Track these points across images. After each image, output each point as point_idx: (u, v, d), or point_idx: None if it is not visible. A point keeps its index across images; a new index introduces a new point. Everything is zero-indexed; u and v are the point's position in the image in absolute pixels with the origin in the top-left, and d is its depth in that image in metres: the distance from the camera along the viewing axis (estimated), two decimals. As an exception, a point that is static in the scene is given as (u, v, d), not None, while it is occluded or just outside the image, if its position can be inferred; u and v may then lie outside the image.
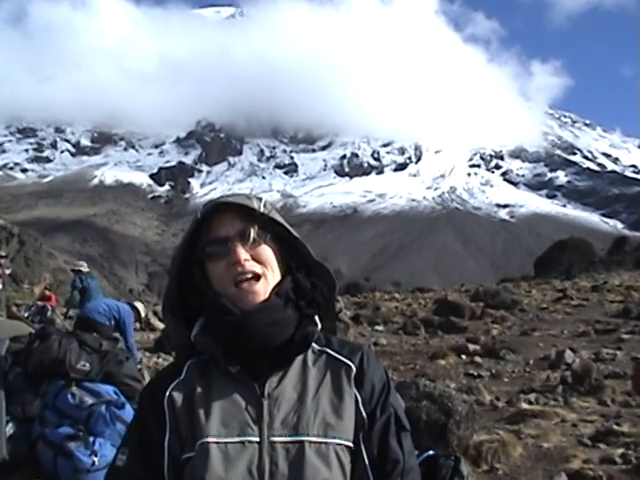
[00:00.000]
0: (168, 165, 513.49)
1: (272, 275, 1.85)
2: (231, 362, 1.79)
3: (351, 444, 1.78)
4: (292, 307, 1.85)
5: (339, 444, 1.75)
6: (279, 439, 1.73)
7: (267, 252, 1.85)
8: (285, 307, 1.83)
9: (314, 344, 1.89)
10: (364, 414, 1.83)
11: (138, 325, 18.54)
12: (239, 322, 1.77)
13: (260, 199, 1.90)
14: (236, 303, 1.80)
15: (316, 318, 1.88)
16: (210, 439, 1.72)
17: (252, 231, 1.83)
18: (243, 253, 1.80)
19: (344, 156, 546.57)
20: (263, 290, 1.82)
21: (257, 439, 1.72)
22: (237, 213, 1.84)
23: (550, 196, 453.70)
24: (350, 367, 1.87)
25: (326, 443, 1.73)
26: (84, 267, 16.23)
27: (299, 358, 1.87)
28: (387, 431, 1.84)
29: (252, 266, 1.81)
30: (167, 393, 1.82)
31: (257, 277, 1.82)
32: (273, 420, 1.75)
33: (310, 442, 1.72)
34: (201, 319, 1.87)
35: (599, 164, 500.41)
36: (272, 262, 1.86)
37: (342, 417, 1.79)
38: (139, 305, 12.25)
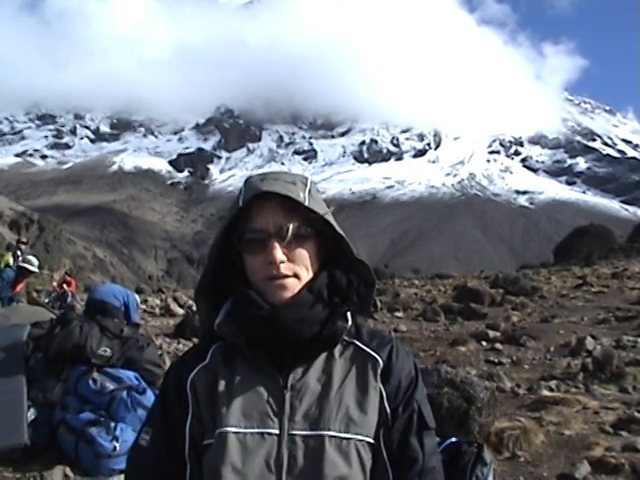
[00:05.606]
0: (187, 151, 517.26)
1: (306, 274, 1.79)
2: (256, 353, 1.76)
3: (372, 440, 1.74)
4: (323, 304, 1.79)
5: (361, 440, 1.71)
6: (299, 432, 1.69)
7: (303, 253, 1.78)
8: (315, 304, 1.77)
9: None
10: (388, 410, 1.78)
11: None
12: (268, 317, 1.72)
13: (305, 184, 1.81)
14: (266, 297, 1.76)
15: (348, 314, 1.81)
16: (229, 428, 1.69)
17: (291, 228, 1.75)
18: (279, 254, 1.73)
19: (363, 142, 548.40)
20: (293, 287, 1.76)
21: (277, 431, 1.69)
22: (279, 203, 1.76)
23: (570, 182, 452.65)
24: (377, 361, 1.81)
25: (347, 439, 1.69)
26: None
27: None
28: (408, 428, 1.78)
29: (286, 268, 1.74)
30: (190, 377, 1.79)
31: (290, 276, 1.76)
32: (294, 413, 1.71)
33: (331, 437, 1.68)
34: (225, 306, 1.83)
35: (619, 150, 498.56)
36: (307, 262, 1.79)
37: (366, 412, 1.74)
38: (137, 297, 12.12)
